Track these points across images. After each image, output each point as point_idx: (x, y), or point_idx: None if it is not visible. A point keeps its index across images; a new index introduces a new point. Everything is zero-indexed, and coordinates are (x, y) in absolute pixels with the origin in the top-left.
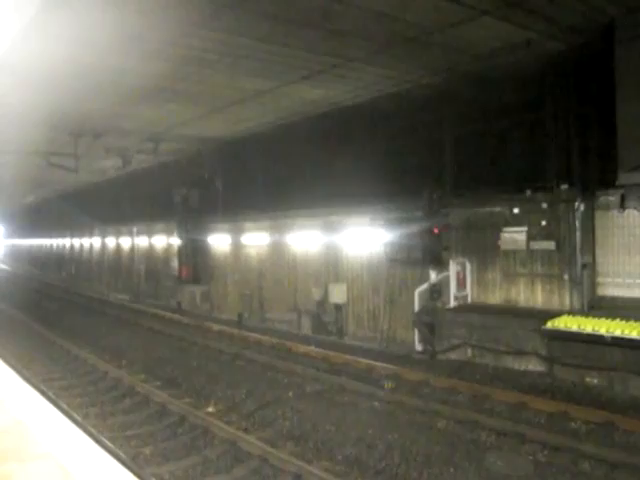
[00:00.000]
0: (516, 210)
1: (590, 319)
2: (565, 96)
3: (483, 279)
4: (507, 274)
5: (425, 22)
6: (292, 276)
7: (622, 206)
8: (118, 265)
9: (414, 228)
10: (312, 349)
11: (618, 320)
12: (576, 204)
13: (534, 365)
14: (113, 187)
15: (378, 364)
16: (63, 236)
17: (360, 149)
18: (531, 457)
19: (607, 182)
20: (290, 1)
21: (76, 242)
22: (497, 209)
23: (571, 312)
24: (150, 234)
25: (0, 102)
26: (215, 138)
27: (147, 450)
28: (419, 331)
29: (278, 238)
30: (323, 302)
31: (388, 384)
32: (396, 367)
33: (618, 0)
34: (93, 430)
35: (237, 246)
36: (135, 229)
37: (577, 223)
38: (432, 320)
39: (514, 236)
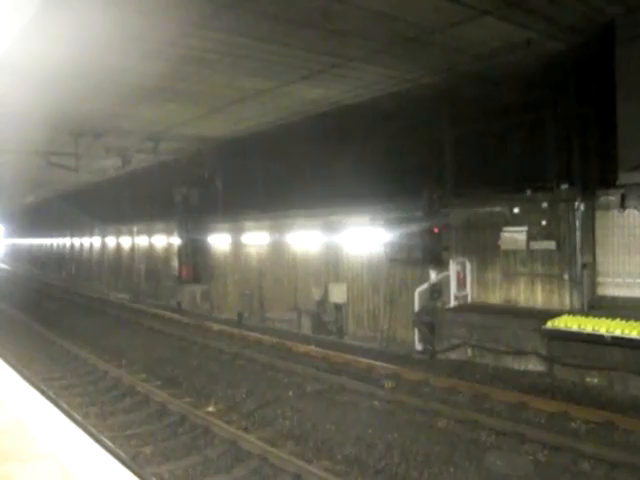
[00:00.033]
0: (516, 210)
1: (590, 319)
2: (565, 96)
3: (483, 279)
4: (507, 274)
5: (425, 22)
6: (292, 276)
7: (622, 206)
8: (118, 265)
9: (414, 228)
10: (312, 349)
11: (618, 320)
12: (576, 204)
13: (534, 365)
14: (113, 187)
15: (378, 364)
16: (63, 236)
17: (360, 149)
18: (531, 457)
19: (607, 182)
20: (290, 1)
21: (76, 242)
22: (497, 209)
23: (571, 312)
24: (150, 234)
25: (0, 102)
26: (215, 138)
27: (147, 450)
28: (419, 331)
29: (278, 238)
30: (323, 302)
31: (388, 384)
32: (396, 367)
33: (618, 0)
34: (93, 430)
35: (237, 246)
36: (135, 229)
37: (577, 223)
38: (432, 320)
39: (514, 236)
